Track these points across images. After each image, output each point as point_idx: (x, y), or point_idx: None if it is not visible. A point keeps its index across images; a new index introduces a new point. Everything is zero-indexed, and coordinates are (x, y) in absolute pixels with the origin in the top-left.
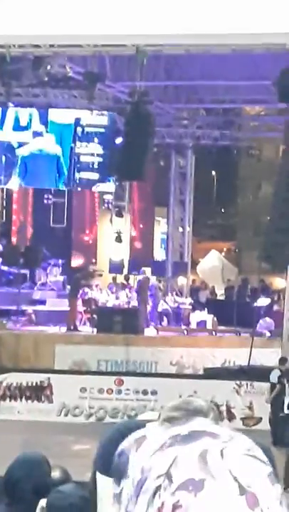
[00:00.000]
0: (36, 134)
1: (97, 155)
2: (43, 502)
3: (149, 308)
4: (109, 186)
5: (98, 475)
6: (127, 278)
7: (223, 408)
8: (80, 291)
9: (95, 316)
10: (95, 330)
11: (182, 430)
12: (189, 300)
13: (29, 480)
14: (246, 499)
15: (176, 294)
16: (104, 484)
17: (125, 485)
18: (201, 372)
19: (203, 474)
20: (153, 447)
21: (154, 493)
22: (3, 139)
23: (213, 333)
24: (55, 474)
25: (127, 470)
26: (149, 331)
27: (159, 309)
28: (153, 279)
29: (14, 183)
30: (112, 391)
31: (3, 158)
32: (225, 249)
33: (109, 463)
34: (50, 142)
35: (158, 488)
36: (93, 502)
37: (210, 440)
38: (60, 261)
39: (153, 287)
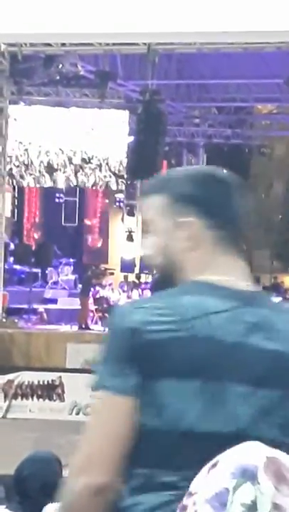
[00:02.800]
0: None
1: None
2: (52, 507)
3: None
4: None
5: None
6: (138, 277)
7: None
8: (92, 290)
9: (106, 314)
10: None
11: None
12: None
13: (38, 478)
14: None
15: None
16: None
17: None
18: None
19: None
20: None
21: None
22: (19, 139)
23: None
24: (67, 473)
25: None
26: None
27: None
28: None
29: (30, 182)
30: None
31: (22, 157)
32: None
33: None
34: (64, 141)
35: None
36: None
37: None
38: (71, 260)
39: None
